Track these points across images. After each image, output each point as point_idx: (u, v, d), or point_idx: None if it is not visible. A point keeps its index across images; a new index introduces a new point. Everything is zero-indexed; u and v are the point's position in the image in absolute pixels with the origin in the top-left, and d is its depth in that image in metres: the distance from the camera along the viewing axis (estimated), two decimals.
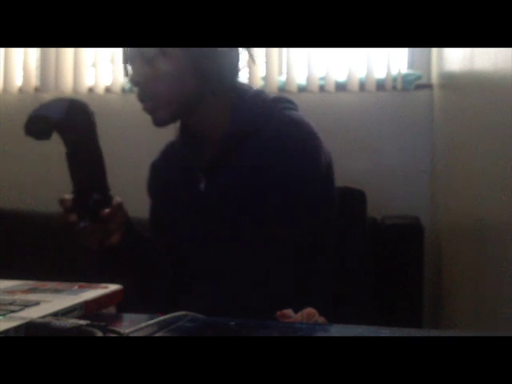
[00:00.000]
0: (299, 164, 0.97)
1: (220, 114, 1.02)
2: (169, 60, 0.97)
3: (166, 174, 1.13)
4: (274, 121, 1.00)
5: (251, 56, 1.04)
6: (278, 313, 0.78)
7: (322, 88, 2.01)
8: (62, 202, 0.92)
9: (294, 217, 0.97)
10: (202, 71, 0.98)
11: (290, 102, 1.07)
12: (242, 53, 1.02)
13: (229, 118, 1.02)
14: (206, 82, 0.99)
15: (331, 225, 1.06)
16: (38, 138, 0.84)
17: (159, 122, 1.01)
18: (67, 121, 0.86)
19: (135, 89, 1.01)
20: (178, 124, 1.08)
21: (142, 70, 0.98)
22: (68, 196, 0.92)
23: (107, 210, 0.93)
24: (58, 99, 0.89)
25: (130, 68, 1.02)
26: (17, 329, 0.50)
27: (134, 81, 0.99)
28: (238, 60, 1.02)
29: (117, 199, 0.97)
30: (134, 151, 1.99)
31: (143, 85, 0.99)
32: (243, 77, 1.93)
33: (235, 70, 1.03)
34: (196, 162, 1.06)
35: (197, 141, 1.06)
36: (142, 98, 1.00)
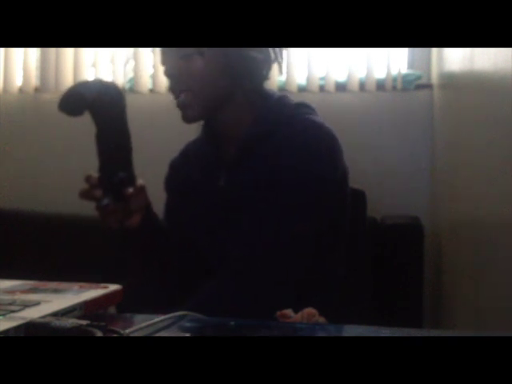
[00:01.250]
0: (318, 165, 0.99)
1: (245, 114, 1.06)
2: (204, 58, 1.00)
3: (186, 172, 1.16)
4: (295, 123, 1.03)
5: (279, 63, 1.07)
6: (278, 313, 0.78)
7: (322, 88, 2.01)
8: (87, 178, 0.94)
9: (309, 216, 0.99)
10: (235, 72, 1.02)
11: (310, 107, 1.10)
12: (271, 57, 1.05)
13: (252, 119, 1.05)
14: (237, 82, 1.03)
15: (344, 227, 1.07)
16: (70, 114, 0.87)
17: (189, 118, 1.04)
18: (100, 100, 0.89)
19: (168, 83, 1.05)
20: (199, 123, 1.11)
21: (176, 63, 1.01)
22: (94, 173, 0.94)
23: (130, 190, 0.95)
24: (93, 80, 0.94)
25: (164, 62, 1.05)
26: (17, 329, 0.50)
27: (169, 73, 1.03)
28: (267, 64, 1.06)
29: (140, 181, 0.99)
30: (133, 151, 1.99)
31: (177, 78, 1.02)
32: None
33: (264, 74, 1.07)
34: (217, 159, 1.09)
35: (218, 139, 1.09)
36: (174, 91, 1.03)
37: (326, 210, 1.01)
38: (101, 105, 0.90)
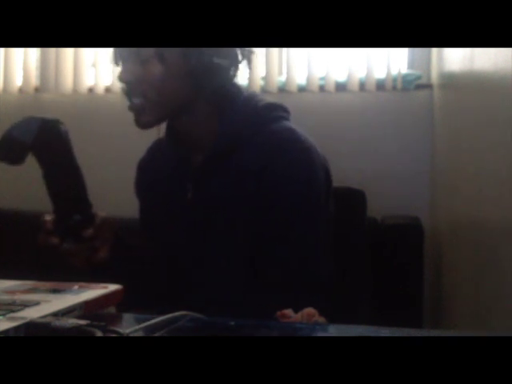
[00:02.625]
0: (293, 180, 0.95)
1: (209, 119, 1.00)
2: (163, 63, 0.95)
3: (153, 176, 1.11)
4: (264, 132, 0.98)
5: (248, 62, 1.01)
6: (278, 313, 0.78)
7: (322, 88, 2.01)
8: (42, 223, 0.90)
9: (286, 227, 0.96)
10: (196, 79, 0.96)
11: (282, 109, 1.04)
12: (238, 59, 1.00)
13: (218, 127, 1.00)
14: (198, 88, 0.98)
15: (327, 232, 1.03)
16: (11, 164, 0.82)
17: (143, 124, 0.99)
18: (40, 142, 0.83)
19: (123, 86, 0.99)
20: (164, 124, 1.06)
21: (134, 68, 0.96)
22: (48, 216, 0.90)
23: (90, 230, 0.91)
24: (28, 119, 0.85)
25: (120, 66, 1.00)
26: (17, 329, 0.50)
27: (124, 78, 0.98)
28: (233, 67, 1.00)
29: (100, 215, 0.94)
30: (133, 151, 1.99)
31: (134, 83, 0.97)
32: (242, 77, 1.92)
33: (229, 77, 1.00)
34: (183, 169, 1.04)
35: (184, 145, 1.04)
36: (130, 95, 0.98)
37: (302, 219, 0.97)
38: (42, 146, 0.84)
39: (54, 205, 0.89)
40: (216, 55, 0.95)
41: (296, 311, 0.78)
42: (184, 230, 1.02)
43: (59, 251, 0.91)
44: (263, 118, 1.00)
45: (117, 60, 1.00)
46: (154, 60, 0.95)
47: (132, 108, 0.98)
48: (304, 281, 0.96)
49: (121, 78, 0.98)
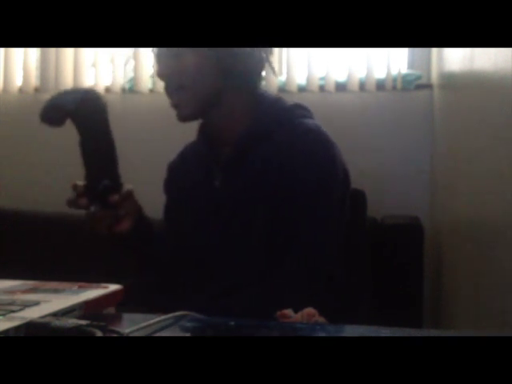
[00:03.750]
0: (317, 168, 0.99)
1: (239, 115, 1.06)
2: (194, 55, 1.00)
3: (183, 173, 1.16)
4: (291, 126, 1.03)
5: (270, 65, 1.08)
6: (278, 313, 0.78)
7: (322, 88, 2.01)
8: (74, 187, 0.95)
9: (304, 219, 0.99)
10: (226, 68, 1.02)
11: (307, 109, 1.10)
12: (262, 55, 1.05)
13: (248, 120, 1.05)
14: (228, 79, 1.03)
15: (342, 229, 1.07)
16: (51, 125, 0.88)
17: (184, 117, 1.05)
18: (80, 110, 0.89)
19: (162, 83, 1.05)
20: (196, 124, 1.12)
21: (168, 63, 1.02)
22: (80, 182, 0.95)
23: (116, 197, 0.96)
24: (73, 89, 0.94)
25: (156, 61, 1.06)
26: (17, 329, 0.50)
27: (161, 73, 1.04)
28: (260, 63, 1.06)
29: (127, 187, 1.00)
30: (133, 151, 1.99)
31: (170, 77, 1.03)
32: None
33: (257, 72, 1.07)
34: (212, 160, 1.09)
35: (215, 140, 1.09)
36: (169, 91, 1.04)
37: (326, 211, 1.00)
38: (82, 114, 0.90)
39: (87, 170, 0.94)
40: (243, 49, 1.01)
41: (296, 310, 0.78)
42: (211, 217, 1.06)
43: (86, 214, 0.96)
44: (290, 114, 1.06)
45: (155, 58, 1.06)
46: (186, 52, 1.01)
47: (173, 104, 1.04)
48: (314, 272, 0.99)
49: (158, 73, 1.05)
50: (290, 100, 1.12)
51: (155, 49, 1.05)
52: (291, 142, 1.00)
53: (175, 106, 1.04)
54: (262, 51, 1.05)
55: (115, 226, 0.99)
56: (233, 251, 1.01)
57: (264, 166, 1.01)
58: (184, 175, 1.16)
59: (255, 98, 1.07)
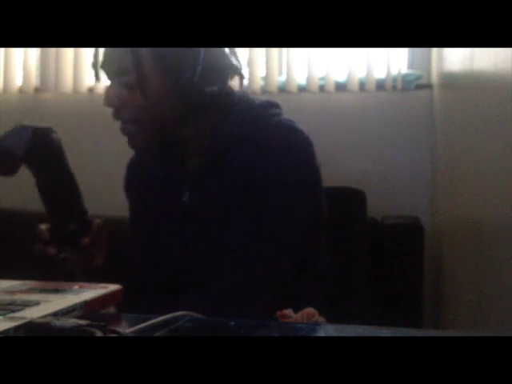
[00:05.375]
0: (292, 171, 0.94)
1: (203, 124, 0.98)
2: (150, 87, 0.92)
3: (144, 177, 1.08)
4: (263, 128, 0.96)
5: (239, 74, 0.99)
6: (278, 313, 0.78)
7: (322, 88, 2.01)
8: (39, 233, 0.89)
9: (283, 225, 0.95)
10: (183, 93, 0.93)
11: (276, 106, 1.03)
12: (227, 72, 0.97)
13: (215, 128, 0.98)
14: (195, 100, 0.95)
15: (321, 229, 1.04)
16: (4, 175, 0.81)
17: (138, 146, 0.98)
18: (32, 153, 0.81)
19: (112, 110, 0.96)
20: None
21: (120, 92, 0.93)
22: (44, 226, 0.90)
23: (87, 238, 0.91)
24: (19, 128, 0.83)
25: (105, 89, 0.97)
26: (17, 329, 0.50)
27: (109, 102, 0.95)
28: (231, 72, 0.98)
29: (95, 221, 0.94)
30: (133, 151, 1.99)
31: (122, 109, 0.94)
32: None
33: (226, 83, 0.98)
34: (178, 172, 1.02)
35: (178, 149, 1.02)
36: (119, 119, 0.96)
37: (299, 216, 0.96)
38: (34, 156, 0.82)
39: (50, 214, 0.88)
40: (202, 69, 0.91)
41: (296, 310, 0.78)
42: (180, 231, 1.01)
43: (56, 260, 0.90)
44: (260, 115, 0.99)
45: (98, 77, 0.98)
46: (144, 79, 0.91)
47: (123, 132, 0.96)
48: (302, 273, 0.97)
49: (107, 102, 0.95)
50: (274, 98, 1.06)
51: (105, 75, 0.97)
52: (263, 145, 0.94)
53: (125, 134, 0.96)
54: (230, 58, 0.96)
55: (90, 263, 0.95)
56: (211, 264, 0.96)
57: (237, 175, 0.95)
58: (146, 179, 1.07)
59: (220, 100, 0.98)
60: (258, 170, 0.94)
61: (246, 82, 1.98)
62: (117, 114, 0.95)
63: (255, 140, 0.95)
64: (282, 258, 0.96)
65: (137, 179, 1.11)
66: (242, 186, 0.94)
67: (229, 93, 1.00)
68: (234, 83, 1.01)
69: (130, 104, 0.93)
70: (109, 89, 0.95)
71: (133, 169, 1.13)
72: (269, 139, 0.95)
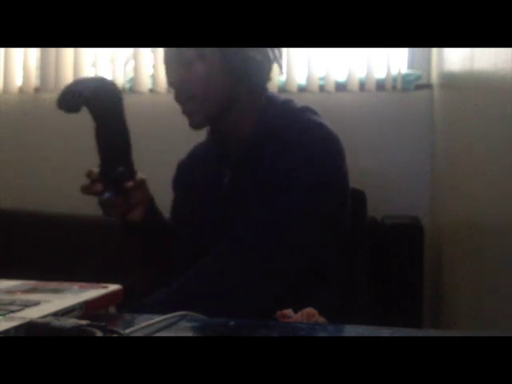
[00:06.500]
0: (322, 166, 1.00)
1: (249, 118, 1.06)
2: (205, 63, 1.01)
3: (192, 172, 1.18)
4: (298, 124, 1.04)
5: (279, 63, 1.08)
6: (278, 313, 0.78)
7: (322, 88, 2.01)
8: (88, 173, 0.96)
9: (310, 217, 0.99)
10: (236, 73, 1.03)
11: (314, 111, 1.11)
12: (271, 57, 1.06)
13: (257, 122, 1.06)
14: (239, 84, 1.04)
15: (345, 228, 1.08)
16: (68, 111, 0.90)
17: (197, 125, 1.05)
18: (96, 97, 0.91)
19: (172, 90, 1.05)
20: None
21: (178, 72, 1.02)
22: (95, 169, 0.96)
23: (131, 183, 0.97)
24: (89, 77, 0.96)
25: (166, 70, 1.06)
26: (17, 329, 0.50)
27: (171, 83, 1.04)
28: (268, 65, 1.07)
29: (141, 175, 1.01)
30: (134, 151, 1.99)
31: (180, 87, 1.03)
32: None
33: (265, 74, 1.07)
34: (222, 160, 1.10)
35: (225, 142, 1.11)
36: (180, 100, 1.04)
37: (330, 211, 1.01)
38: (98, 101, 0.92)
39: (101, 156, 0.96)
40: (251, 50, 1.02)
41: (296, 310, 0.78)
42: (217, 214, 1.07)
43: (100, 200, 0.97)
44: (299, 114, 1.07)
45: (165, 68, 1.07)
46: (196, 61, 1.01)
47: (185, 111, 1.05)
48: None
49: (169, 83, 1.05)
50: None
51: (165, 57, 1.06)
52: (296, 139, 1.01)
53: (187, 114, 1.05)
54: (270, 52, 1.06)
55: (128, 214, 1.01)
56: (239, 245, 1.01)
57: (272, 165, 1.01)
58: (193, 174, 1.17)
59: (265, 100, 1.08)
60: (288, 163, 1.00)
61: None
62: (177, 94, 1.04)
63: (286, 136, 1.02)
64: (293, 257, 0.97)
65: (185, 175, 1.20)
66: (274, 178, 1.00)
67: (275, 95, 1.11)
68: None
69: (188, 81, 1.02)
70: (169, 70, 1.05)
71: (181, 168, 1.22)
72: (298, 136, 1.01)
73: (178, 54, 1.02)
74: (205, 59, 1.01)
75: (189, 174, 1.19)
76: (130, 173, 0.99)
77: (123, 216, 1.02)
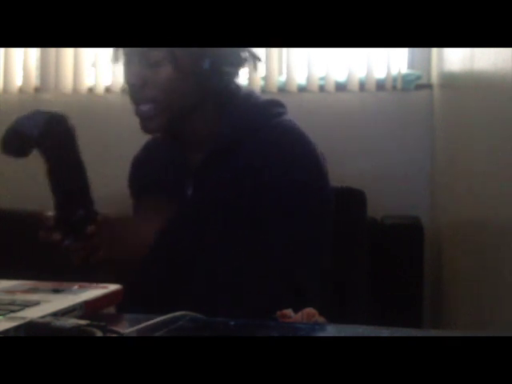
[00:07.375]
0: (293, 170, 0.96)
1: (211, 118, 1.00)
2: (175, 65, 0.94)
3: (148, 173, 1.09)
4: (266, 128, 0.98)
5: (254, 64, 1.02)
6: (278, 313, 0.78)
7: (322, 88, 2.01)
8: (43, 218, 0.89)
9: (286, 222, 0.96)
10: (205, 78, 0.96)
11: (281, 105, 1.04)
12: (243, 60, 1.00)
13: (220, 123, 0.99)
14: (207, 89, 0.98)
15: (326, 227, 1.04)
16: (15, 156, 0.81)
17: (152, 129, 0.99)
18: (47, 136, 0.83)
19: (129, 90, 0.98)
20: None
21: (143, 71, 0.95)
22: (48, 213, 0.89)
23: (92, 227, 0.89)
24: (35, 113, 0.84)
25: (124, 65, 0.98)
26: (17, 329, 0.50)
27: (133, 83, 0.96)
28: (239, 68, 1.01)
29: (101, 213, 0.93)
30: (133, 151, 1.99)
31: (142, 87, 0.96)
32: (243, 77, 1.92)
33: (234, 77, 1.01)
34: (181, 167, 1.03)
35: (183, 143, 1.04)
36: (138, 101, 0.97)
37: (302, 214, 0.97)
38: (50, 140, 0.83)
39: (57, 200, 0.88)
40: (223, 56, 0.96)
41: (296, 304, 0.78)
42: (183, 225, 1.01)
43: (60, 248, 0.90)
44: (264, 113, 1.01)
45: (117, 58, 0.99)
46: (166, 62, 0.94)
47: (139, 113, 0.97)
48: (303, 272, 0.97)
49: (128, 81, 0.96)
50: (268, 97, 1.07)
51: (128, 56, 0.97)
52: (265, 144, 0.96)
53: (141, 117, 0.97)
54: (242, 52, 0.99)
55: (90, 257, 0.93)
56: (210, 259, 0.98)
57: (239, 172, 0.96)
58: (150, 175, 1.09)
59: (226, 96, 1.00)
60: (257, 170, 0.95)
61: (246, 81, 1.99)
62: (135, 94, 0.97)
63: (256, 141, 0.97)
64: (284, 255, 0.96)
65: (141, 176, 1.12)
66: (241, 185, 0.95)
67: (236, 87, 1.02)
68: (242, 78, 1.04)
69: (151, 83, 0.95)
70: (132, 68, 0.97)
71: (136, 166, 1.14)
72: (268, 141, 0.96)
73: (145, 53, 0.94)
74: (176, 61, 0.94)
75: (145, 175, 1.10)
76: (91, 214, 0.90)
77: (87, 259, 0.93)
